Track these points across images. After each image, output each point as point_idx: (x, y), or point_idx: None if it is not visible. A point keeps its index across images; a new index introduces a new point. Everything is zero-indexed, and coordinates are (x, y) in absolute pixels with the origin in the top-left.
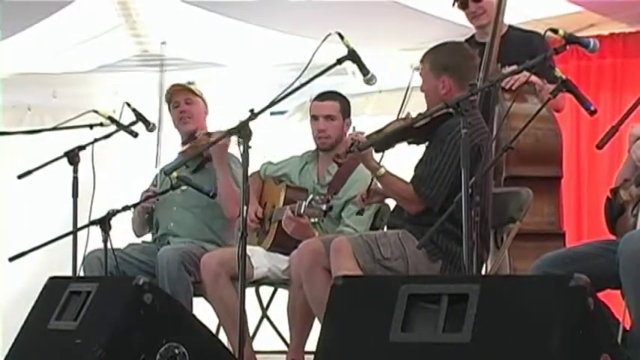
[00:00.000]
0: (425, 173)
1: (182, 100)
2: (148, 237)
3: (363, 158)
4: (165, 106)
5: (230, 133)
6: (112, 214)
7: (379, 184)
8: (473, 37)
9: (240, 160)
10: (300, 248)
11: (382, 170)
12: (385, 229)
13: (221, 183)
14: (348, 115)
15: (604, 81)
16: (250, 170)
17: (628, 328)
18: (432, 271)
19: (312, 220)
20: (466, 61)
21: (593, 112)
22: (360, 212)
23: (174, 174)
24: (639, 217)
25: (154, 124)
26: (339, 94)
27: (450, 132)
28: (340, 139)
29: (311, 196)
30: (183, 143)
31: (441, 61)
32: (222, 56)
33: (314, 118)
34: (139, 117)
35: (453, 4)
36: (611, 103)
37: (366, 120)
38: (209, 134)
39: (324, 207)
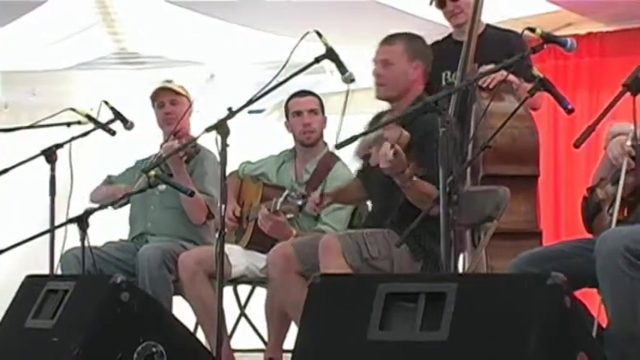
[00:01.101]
0: (431, 173)
1: (167, 100)
2: (126, 235)
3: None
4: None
5: (208, 131)
6: (90, 212)
7: (405, 190)
8: (450, 35)
9: (218, 158)
10: (271, 253)
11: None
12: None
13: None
14: (324, 112)
15: (581, 80)
16: (229, 169)
17: (604, 326)
18: (414, 271)
19: (288, 216)
20: (431, 57)
21: (570, 111)
22: (317, 218)
23: (152, 172)
24: (614, 216)
25: (131, 122)
26: (312, 92)
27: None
28: (322, 134)
29: (287, 192)
30: (165, 141)
31: (418, 47)
32: (201, 54)
33: (297, 114)
34: (117, 115)
35: (431, 3)
36: (588, 102)
37: (344, 118)
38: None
39: (299, 202)
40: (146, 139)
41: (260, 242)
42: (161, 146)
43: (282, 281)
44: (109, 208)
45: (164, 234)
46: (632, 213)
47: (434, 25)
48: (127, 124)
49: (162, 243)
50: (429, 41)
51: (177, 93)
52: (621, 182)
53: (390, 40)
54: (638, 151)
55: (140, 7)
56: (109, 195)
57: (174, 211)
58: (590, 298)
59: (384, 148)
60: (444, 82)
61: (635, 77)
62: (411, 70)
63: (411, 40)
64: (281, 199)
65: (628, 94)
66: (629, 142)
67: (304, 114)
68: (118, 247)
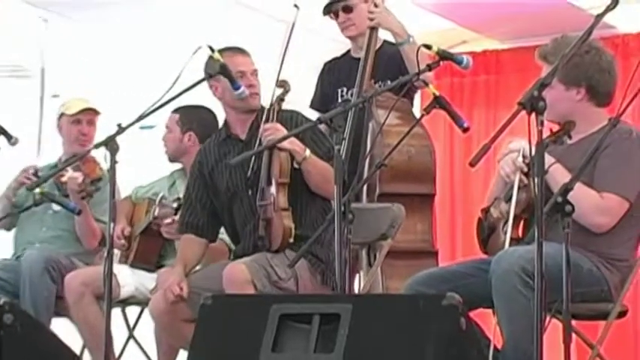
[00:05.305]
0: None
1: (85, 119)
2: (9, 254)
3: (290, 143)
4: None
5: (96, 147)
6: None
7: (303, 166)
8: (348, 52)
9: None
10: (151, 305)
11: (308, 152)
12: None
13: (79, 218)
14: (190, 129)
15: (478, 98)
16: (119, 186)
17: (500, 347)
18: (317, 283)
19: (167, 221)
20: None
21: (466, 130)
22: None
23: (38, 190)
24: (508, 235)
25: (16, 138)
26: (189, 108)
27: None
28: (179, 150)
29: (161, 194)
30: (65, 161)
31: None
32: (91, 67)
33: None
34: (1, 130)
35: (324, 14)
36: (485, 119)
37: None
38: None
39: (174, 205)
40: (26, 154)
41: (145, 258)
42: (61, 161)
43: (170, 331)
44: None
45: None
46: (528, 232)
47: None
48: (12, 140)
49: (49, 251)
50: (327, 57)
51: (97, 113)
52: (514, 199)
53: (244, 51)
54: (531, 166)
55: (23, 18)
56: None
57: (65, 233)
58: (486, 320)
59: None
60: (339, 99)
61: (530, 96)
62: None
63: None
64: (157, 205)
65: (524, 112)
66: (520, 159)
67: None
68: (1, 266)
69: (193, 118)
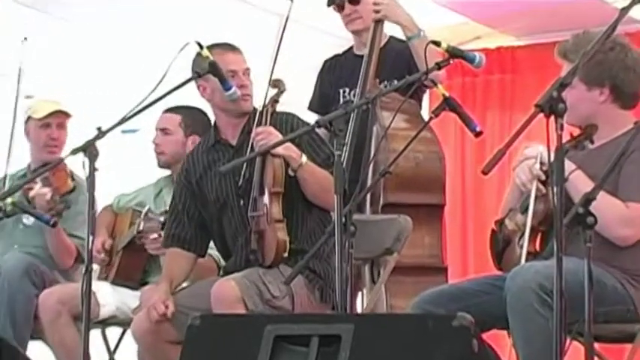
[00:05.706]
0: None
1: (55, 123)
2: None
3: (285, 149)
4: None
5: (74, 153)
6: None
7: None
8: (351, 49)
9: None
10: (134, 325)
11: (304, 158)
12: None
13: (50, 234)
14: (194, 132)
15: (491, 99)
16: (99, 195)
17: None
18: (314, 301)
19: (153, 236)
20: None
21: (478, 134)
22: None
23: (9, 200)
24: (524, 249)
25: None
26: (190, 108)
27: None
28: (178, 156)
29: (147, 207)
30: (34, 171)
31: None
32: (69, 65)
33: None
34: None
35: (329, 5)
36: (499, 122)
37: None
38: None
39: (161, 219)
40: None
41: (128, 275)
42: (30, 169)
43: (151, 354)
44: None
45: None
46: (545, 245)
47: (334, 38)
48: None
49: (31, 256)
50: (328, 54)
51: (68, 116)
52: (530, 210)
53: (236, 48)
54: (549, 174)
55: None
56: None
57: (40, 250)
58: (500, 342)
59: None
60: (341, 100)
61: (549, 97)
62: None
63: None
64: (142, 218)
65: (542, 114)
66: (537, 166)
67: (157, 132)
68: None
69: (198, 120)
